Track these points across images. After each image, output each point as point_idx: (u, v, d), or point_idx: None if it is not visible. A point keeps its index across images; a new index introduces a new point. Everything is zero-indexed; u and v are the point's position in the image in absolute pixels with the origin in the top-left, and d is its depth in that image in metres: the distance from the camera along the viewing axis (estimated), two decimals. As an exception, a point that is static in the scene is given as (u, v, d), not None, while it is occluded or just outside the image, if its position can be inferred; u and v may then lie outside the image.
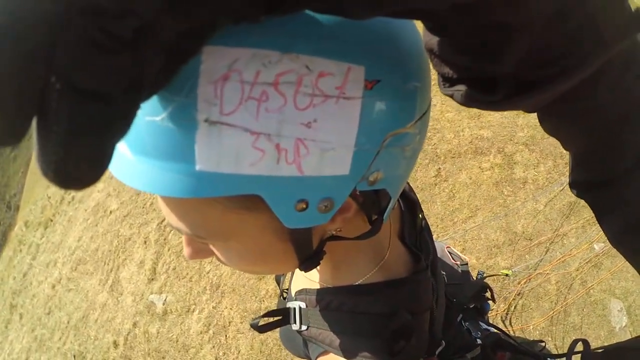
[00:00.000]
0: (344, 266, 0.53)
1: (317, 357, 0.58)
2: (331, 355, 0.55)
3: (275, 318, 0.60)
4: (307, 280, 0.60)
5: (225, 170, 0.26)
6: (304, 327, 0.58)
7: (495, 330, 0.82)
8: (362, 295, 0.52)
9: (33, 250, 4.31)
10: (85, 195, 4.25)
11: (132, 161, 0.27)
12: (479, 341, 0.82)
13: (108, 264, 3.35)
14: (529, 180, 2.72)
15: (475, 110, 3.15)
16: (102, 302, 3.12)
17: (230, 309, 2.50)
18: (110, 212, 3.75)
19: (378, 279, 0.53)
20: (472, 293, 0.87)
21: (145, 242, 3.22)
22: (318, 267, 0.53)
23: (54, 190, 4.77)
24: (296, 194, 0.28)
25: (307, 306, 0.58)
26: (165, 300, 2.76)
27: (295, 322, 0.59)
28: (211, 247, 0.40)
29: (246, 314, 2.43)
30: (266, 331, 0.61)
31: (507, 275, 1.87)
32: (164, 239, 3.12)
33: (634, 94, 0.30)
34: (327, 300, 0.55)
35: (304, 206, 0.29)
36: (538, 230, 2.50)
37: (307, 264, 0.42)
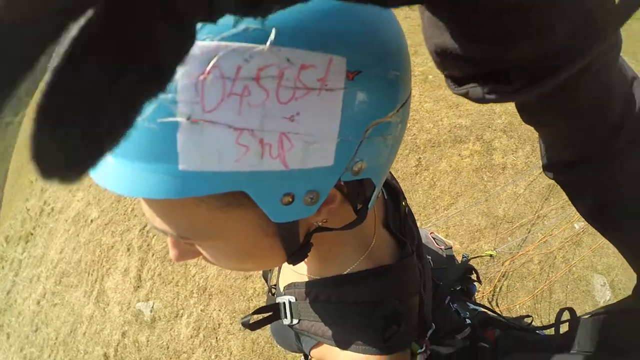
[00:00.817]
0: (330, 257, 0.53)
1: (310, 350, 0.58)
2: (325, 346, 0.55)
3: (266, 314, 0.60)
4: (295, 274, 0.60)
5: (209, 168, 0.25)
6: (295, 321, 0.58)
7: (483, 309, 0.83)
8: (350, 285, 0.53)
9: (15, 266, 4.21)
10: (64, 205, 4.16)
11: (112, 165, 0.27)
12: (468, 321, 0.84)
13: (92, 275, 3.29)
14: (508, 165, 2.76)
15: (453, 100, 3.18)
16: (88, 314, 3.06)
17: (219, 310, 2.48)
18: (91, 221, 3.68)
19: (365, 267, 0.53)
20: (457, 275, 0.88)
21: (128, 249, 3.17)
22: (305, 260, 0.53)
23: (33, 203, 4.67)
24: (282, 188, 0.28)
25: (296, 300, 0.58)
26: (152, 307, 2.72)
27: (286, 317, 0.58)
28: (197, 247, 0.39)
29: (235, 314, 2.42)
30: (257, 328, 0.60)
31: (491, 255, 1.89)
32: (148, 245, 3.08)
33: (612, 78, 0.32)
34: (315, 292, 0.55)
35: (290, 200, 0.29)
36: (519, 213, 2.55)
37: (294, 258, 0.42)
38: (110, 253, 3.27)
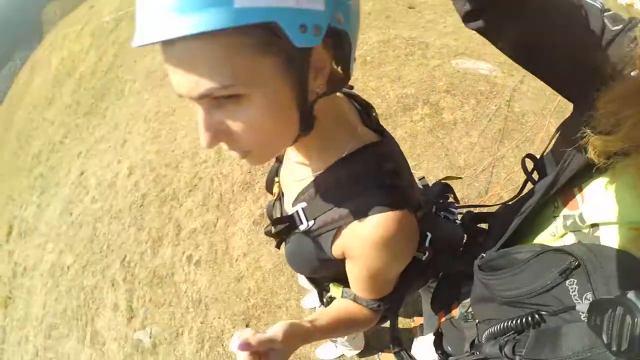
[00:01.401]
0: (328, 143, 0.64)
1: (331, 245, 0.66)
2: (345, 231, 0.64)
3: (283, 226, 0.70)
4: (300, 182, 0.70)
5: (257, 4, 0.40)
6: (311, 223, 0.67)
7: (469, 210, 0.93)
8: (351, 162, 0.64)
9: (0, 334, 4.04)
10: (36, 261, 4.02)
11: (182, 19, 0.39)
12: (458, 221, 0.94)
13: (81, 320, 3.20)
14: (458, 120, 2.92)
15: (394, 74, 3.34)
16: (86, 359, 3.00)
17: (219, 318, 2.50)
18: (68, 268, 3.58)
19: (357, 146, 0.64)
20: (436, 192, 0.99)
21: (113, 284, 3.12)
22: (309, 162, 0.67)
23: (2, 268, 4.48)
24: (298, 20, 0.42)
25: (307, 204, 0.67)
26: (151, 333, 2.70)
27: (302, 223, 0.68)
28: (230, 123, 0.49)
29: (235, 317, 2.44)
30: (279, 238, 0.72)
31: (460, 178, 2.02)
32: (132, 275, 3.05)
33: None
34: (325, 183, 0.65)
35: (304, 30, 0.43)
36: (479, 160, 2.70)
37: (305, 125, 0.54)
38: (95, 293, 3.20)
